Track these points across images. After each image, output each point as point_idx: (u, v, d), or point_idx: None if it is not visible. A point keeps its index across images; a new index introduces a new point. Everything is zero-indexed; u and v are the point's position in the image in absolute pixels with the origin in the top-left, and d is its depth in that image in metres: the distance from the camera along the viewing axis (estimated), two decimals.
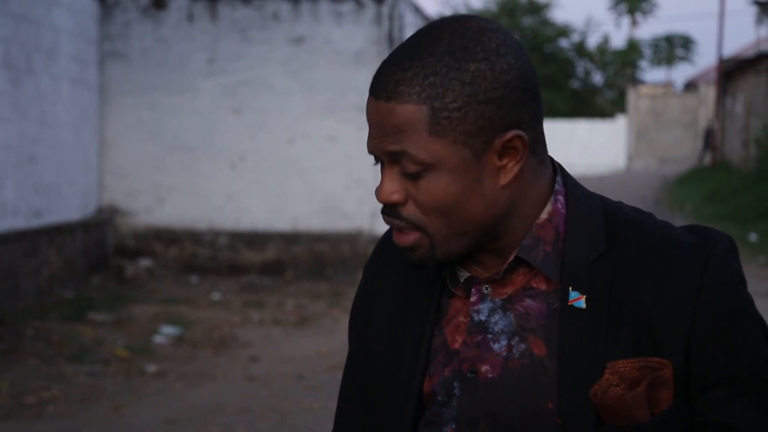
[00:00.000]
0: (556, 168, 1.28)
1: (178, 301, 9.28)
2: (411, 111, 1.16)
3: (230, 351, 7.45)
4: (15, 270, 8.55)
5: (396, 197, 1.21)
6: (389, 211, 1.22)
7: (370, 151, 1.23)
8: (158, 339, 7.66)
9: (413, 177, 1.19)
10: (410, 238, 1.22)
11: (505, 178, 1.20)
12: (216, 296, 9.67)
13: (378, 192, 1.22)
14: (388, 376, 1.31)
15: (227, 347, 7.56)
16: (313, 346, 7.53)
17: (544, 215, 1.24)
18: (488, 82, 1.16)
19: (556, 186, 1.26)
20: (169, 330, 7.89)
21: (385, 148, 1.19)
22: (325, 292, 9.99)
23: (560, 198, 1.25)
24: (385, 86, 1.18)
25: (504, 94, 1.17)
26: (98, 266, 10.36)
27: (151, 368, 6.78)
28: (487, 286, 1.26)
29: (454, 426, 1.24)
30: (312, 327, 8.37)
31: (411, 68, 1.17)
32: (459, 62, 1.16)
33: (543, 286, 1.24)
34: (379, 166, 1.24)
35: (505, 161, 1.19)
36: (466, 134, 1.17)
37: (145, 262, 10.71)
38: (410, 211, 1.21)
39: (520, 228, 1.23)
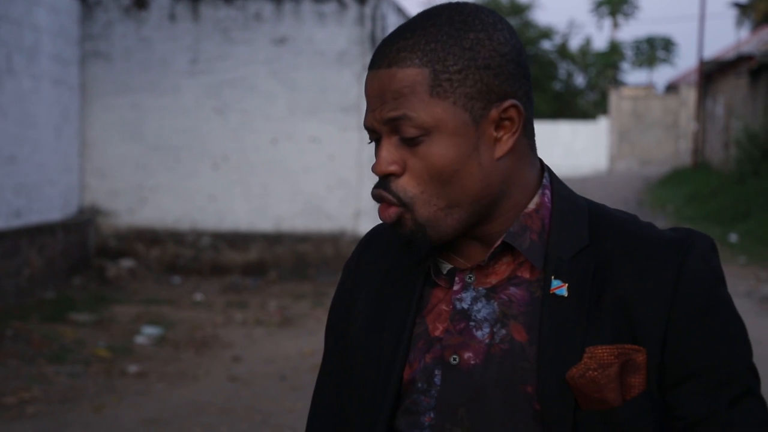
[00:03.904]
0: (544, 166, 1.31)
1: (160, 302, 9.25)
2: (412, 74, 1.19)
3: (212, 351, 7.44)
4: None
5: (393, 167, 1.22)
6: (381, 183, 1.23)
7: (367, 127, 1.24)
8: (140, 339, 7.64)
9: (412, 143, 1.20)
10: (394, 211, 1.22)
11: (500, 150, 1.23)
12: (198, 297, 9.64)
13: (375, 164, 1.23)
14: (367, 367, 1.30)
15: (209, 347, 7.54)
16: (295, 347, 7.52)
17: (531, 205, 1.27)
18: (486, 50, 1.21)
19: (544, 181, 1.29)
20: (150, 330, 7.86)
21: (384, 115, 1.20)
22: (307, 292, 9.98)
23: (547, 192, 1.28)
24: (386, 55, 1.21)
25: (501, 63, 1.21)
26: (79, 267, 10.31)
27: (133, 369, 6.76)
28: (470, 275, 1.27)
29: (432, 415, 1.24)
30: (295, 327, 8.37)
31: (413, 37, 1.21)
32: (459, 31, 1.20)
33: (527, 275, 1.25)
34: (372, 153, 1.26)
35: (500, 133, 1.23)
36: (465, 97, 1.20)
37: (126, 263, 10.68)
38: (404, 184, 1.22)
39: (509, 214, 1.26)
